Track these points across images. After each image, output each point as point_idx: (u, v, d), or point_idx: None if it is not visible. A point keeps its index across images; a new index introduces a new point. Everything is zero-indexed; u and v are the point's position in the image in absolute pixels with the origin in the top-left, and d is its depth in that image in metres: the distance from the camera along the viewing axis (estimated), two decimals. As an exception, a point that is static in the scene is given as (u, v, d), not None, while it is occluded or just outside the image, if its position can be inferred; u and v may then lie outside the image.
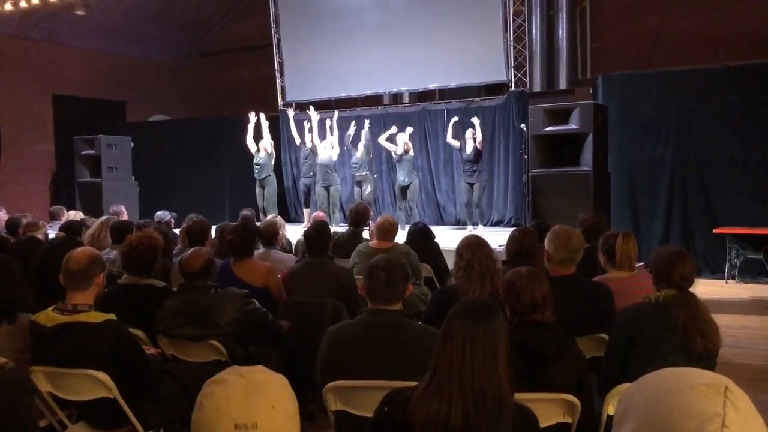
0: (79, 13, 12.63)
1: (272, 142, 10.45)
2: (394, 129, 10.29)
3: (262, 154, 10.24)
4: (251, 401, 1.13)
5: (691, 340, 2.57)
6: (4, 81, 12.46)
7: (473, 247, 3.44)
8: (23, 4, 10.76)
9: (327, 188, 10.04)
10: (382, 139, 10.23)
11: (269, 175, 10.33)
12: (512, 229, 4.33)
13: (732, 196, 8.04)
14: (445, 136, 11.13)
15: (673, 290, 2.70)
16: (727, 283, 7.73)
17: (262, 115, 10.44)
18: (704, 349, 2.58)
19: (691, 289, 2.77)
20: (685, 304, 2.64)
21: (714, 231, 7.90)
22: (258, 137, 10.35)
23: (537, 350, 2.37)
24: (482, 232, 8.34)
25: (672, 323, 2.61)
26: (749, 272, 7.81)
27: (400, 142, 9.83)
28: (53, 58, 13.30)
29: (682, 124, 8.30)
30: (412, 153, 9.96)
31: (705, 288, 6.81)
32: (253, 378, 1.17)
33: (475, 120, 9.34)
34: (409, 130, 10.15)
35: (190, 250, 3.58)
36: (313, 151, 10.31)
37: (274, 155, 10.54)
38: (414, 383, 1.82)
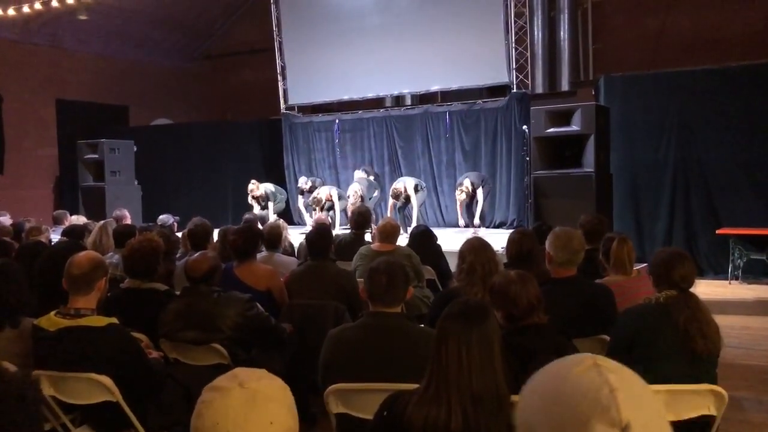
0: (82, 17, 12.65)
1: (272, 191, 10.70)
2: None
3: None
4: (250, 417, 1.12)
5: (692, 340, 2.57)
6: (7, 86, 12.50)
7: (476, 249, 3.44)
8: (26, 9, 10.80)
9: None
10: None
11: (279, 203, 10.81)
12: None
13: (735, 196, 8.02)
14: (447, 139, 11.18)
15: (673, 291, 2.70)
16: (730, 283, 7.71)
17: (250, 192, 10.61)
18: (705, 350, 2.58)
19: (693, 290, 2.77)
20: (686, 305, 2.65)
21: (717, 232, 7.88)
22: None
23: (534, 353, 2.37)
24: (485, 234, 8.33)
25: (673, 324, 2.61)
26: (752, 273, 7.79)
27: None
28: (56, 62, 13.34)
29: (685, 125, 8.28)
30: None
31: (708, 289, 6.79)
32: (253, 389, 1.15)
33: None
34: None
35: (197, 254, 3.56)
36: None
37: (280, 197, 10.89)
38: (415, 385, 1.83)
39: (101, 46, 14.04)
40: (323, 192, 10.18)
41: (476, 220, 9.44)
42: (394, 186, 9.82)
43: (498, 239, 6.87)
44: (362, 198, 9.60)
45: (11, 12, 10.80)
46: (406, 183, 9.76)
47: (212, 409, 1.12)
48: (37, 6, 10.83)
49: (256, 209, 10.41)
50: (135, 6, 13.19)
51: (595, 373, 0.87)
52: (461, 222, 9.61)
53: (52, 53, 13.26)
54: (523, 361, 2.31)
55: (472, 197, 9.45)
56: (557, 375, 0.91)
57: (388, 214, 9.73)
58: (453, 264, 3.86)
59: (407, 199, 9.71)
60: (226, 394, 1.14)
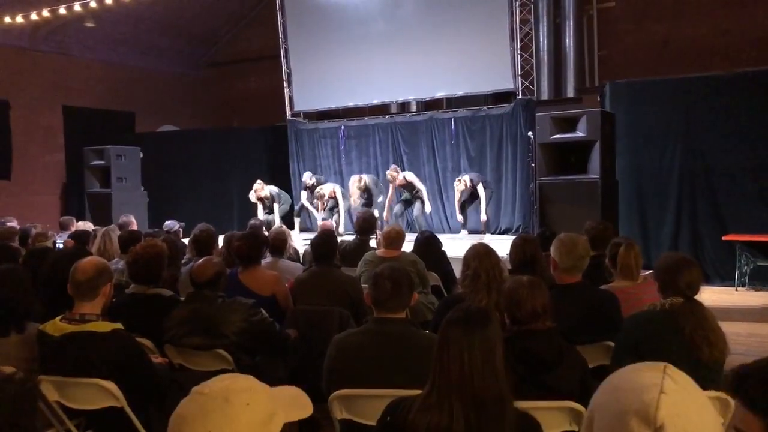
0: (89, 25, 12.76)
1: (277, 192, 10.73)
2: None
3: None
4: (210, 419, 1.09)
5: (698, 348, 2.56)
6: (15, 93, 12.59)
7: (480, 256, 3.43)
8: (34, 16, 10.88)
9: None
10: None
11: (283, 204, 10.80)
12: (520, 238, 4.31)
13: (741, 203, 7.99)
14: (453, 145, 11.19)
15: (679, 298, 2.68)
16: (737, 290, 7.68)
17: (254, 192, 10.61)
18: (711, 358, 2.56)
19: (699, 297, 2.76)
20: (692, 312, 2.63)
21: (723, 238, 7.85)
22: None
23: (539, 356, 2.36)
24: (490, 240, 8.33)
25: (678, 331, 2.60)
26: (759, 279, 7.74)
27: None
28: (63, 70, 13.43)
29: (690, 131, 8.26)
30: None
31: (715, 295, 6.74)
32: (199, 402, 1.11)
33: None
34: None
35: (202, 260, 3.57)
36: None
37: (284, 198, 10.90)
38: (418, 391, 1.83)
39: (108, 53, 14.12)
40: (327, 188, 10.09)
41: (483, 216, 9.48)
42: (389, 172, 9.83)
43: (503, 245, 6.86)
44: (367, 189, 9.54)
45: (19, 19, 10.89)
46: (406, 174, 9.80)
47: (174, 413, 1.12)
48: (45, 13, 10.91)
49: (260, 211, 10.39)
50: (141, 14, 13.26)
51: (656, 374, 0.89)
52: (459, 217, 9.66)
53: (58, 60, 13.34)
54: (526, 363, 2.30)
55: (471, 194, 9.47)
56: (628, 369, 0.95)
57: (386, 211, 9.70)
58: (458, 270, 3.85)
59: (409, 202, 9.71)
60: (183, 402, 1.14)
